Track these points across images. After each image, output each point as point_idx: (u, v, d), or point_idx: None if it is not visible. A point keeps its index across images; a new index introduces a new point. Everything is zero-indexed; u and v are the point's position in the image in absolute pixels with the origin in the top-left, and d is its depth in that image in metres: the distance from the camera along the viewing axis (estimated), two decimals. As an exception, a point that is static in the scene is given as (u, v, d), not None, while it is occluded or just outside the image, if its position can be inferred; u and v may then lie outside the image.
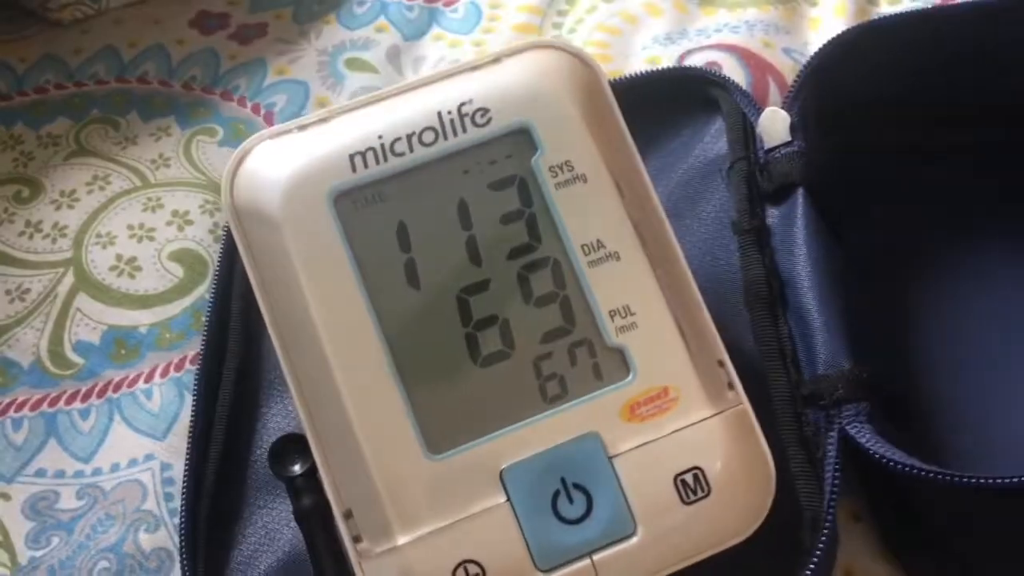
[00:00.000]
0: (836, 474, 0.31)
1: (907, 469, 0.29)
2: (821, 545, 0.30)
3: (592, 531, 0.29)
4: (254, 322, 0.39)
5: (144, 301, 0.41)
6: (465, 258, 0.31)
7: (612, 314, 0.31)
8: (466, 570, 0.29)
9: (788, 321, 0.34)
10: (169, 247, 0.43)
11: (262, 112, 0.47)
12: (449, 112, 0.31)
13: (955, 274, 0.38)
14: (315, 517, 0.31)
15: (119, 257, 0.42)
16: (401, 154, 0.31)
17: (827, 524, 0.30)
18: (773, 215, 0.36)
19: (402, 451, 0.29)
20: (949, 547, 0.32)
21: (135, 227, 0.43)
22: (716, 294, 0.36)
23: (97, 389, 0.39)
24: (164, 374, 0.39)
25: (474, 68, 0.33)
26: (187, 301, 0.41)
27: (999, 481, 0.28)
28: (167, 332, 0.40)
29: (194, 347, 0.40)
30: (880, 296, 0.37)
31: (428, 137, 0.31)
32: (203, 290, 0.41)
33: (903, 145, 0.40)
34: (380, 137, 0.31)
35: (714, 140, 0.39)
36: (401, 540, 0.29)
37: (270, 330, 0.31)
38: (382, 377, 0.30)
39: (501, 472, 0.29)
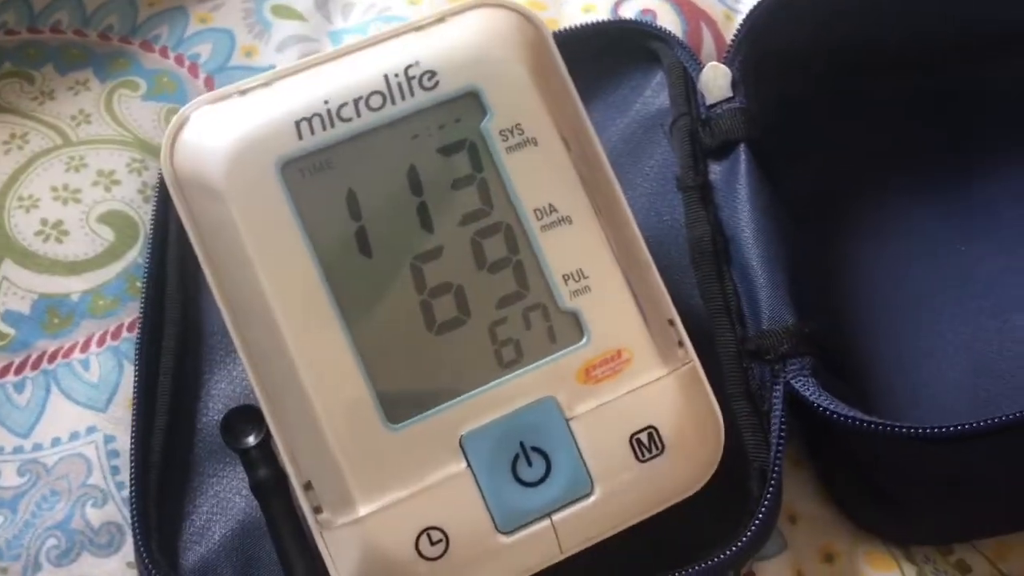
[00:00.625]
0: (782, 427, 0.32)
1: (849, 421, 0.30)
2: (769, 494, 0.31)
3: (551, 492, 0.30)
4: (192, 288, 0.38)
5: (74, 267, 0.39)
6: (417, 225, 0.31)
7: (565, 278, 0.31)
8: (429, 537, 0.29)
9: (733, 277, 0.35)
10: (97, 209, 0.41)
11: (186, 63, 0.45)
12: (396, 75, 0.31)
13: (887, 220, 0.39)
14: (272, 488, 0.31)
15: (44, 221, 0.40)
16: (348, 119, 0.30)
17: (774, 475, 0.31)
18: (716, 171, 0.36)
19: (361, 422, 0.29)
20: (887, 491, 0.33)
21: (59, 189, 0.41)
22: (661, 250, 0.36)
23: (31, 361, 0.37)
24: (101, 343, 0.38)
25: (419, 28, 0.32)
26: (120, 266, 0.40)
27: (933, 430, 0.30)
28: (100, 299, 0.39)
29: (130, 314, 0.39)
30: (816, 245, 0.38)
31: (375, 101, 0.30)
32: (136, 254, 0.40)
33: (838, 92, 0.41)
34: (326, 102, 0.30)
35: (655, 94, 0.39)
36: (363, 510, 0.29)
37: (220, 304, 0.30)
38: (337, 348, 0.29)
39: (460, 439, 0.30)
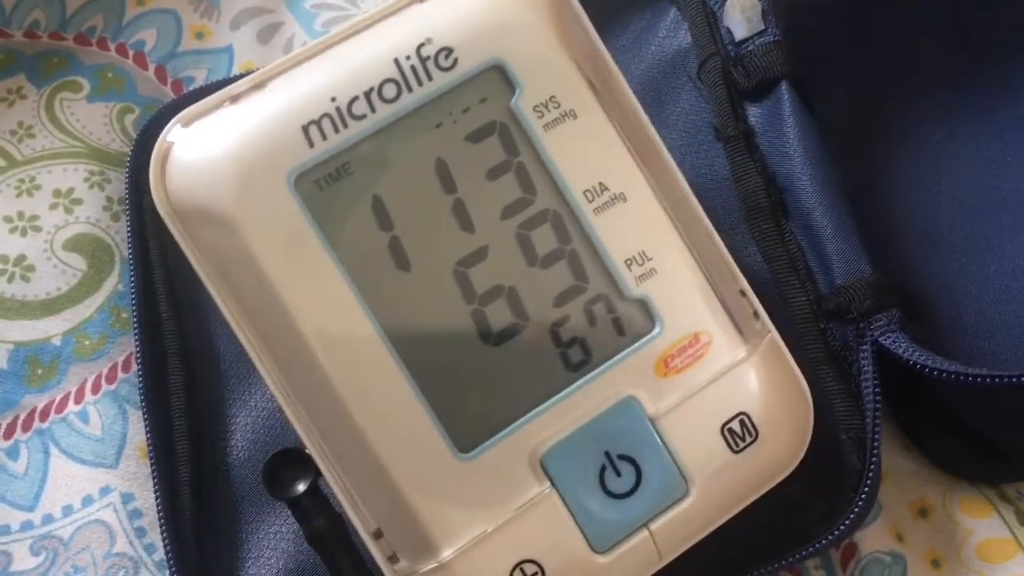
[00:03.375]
0: (877, 390, 0.29)
1: (951, 376, 0.28)
2: (872, 465, 0.29)
3: (645, 501, 0.27)
4: (187, 311, 0.35)
5: (49, 307, 0.35)
6: (455, 226, 0.27)
7: (628, 263, 0.28)
8: (523, 571, 0.26)
9: (794, 232, 0.32)
10: (61, 235, 0.36)
11: (130, 54, 0.40)
12: (408, 57, 0.27)
13: (927, 142, 0.37)
14: (331, 536, 0.28)
15: (4, 259, 0.36)
16: (361, 116, 0.26)
17: (875, 443, 0.29)
18: (755, 114, 0.33)
19: (428, 456, 0.26)
20: (983, 436, 0.31)
21: (13, 218, 0.36)
22: (705, 209, 0.33)
23: (21, 421, 0.33)
24: (96, 389, 0.34)
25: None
26: (100, 297, 0.35)
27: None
28: (86, 339, 0.35)
29: (122, 351, 0.35)
30: (861, 180, 0.36)
31: (389, 91, 0.26)
32: (116, 281, 0.36)
33: (855, 10, 0.38)
34: (333, 99, 0.26)
35: (671, 34, 0.35)
36: (446, 553, 0.26)
37: (245, 345, 0.26)
38: (390, 377, 0.26)
39: (541, 458, 0.27)
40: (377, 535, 0.27)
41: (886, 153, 0.36)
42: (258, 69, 0.27)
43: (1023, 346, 0.33)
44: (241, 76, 0.30)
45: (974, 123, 0.37)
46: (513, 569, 0.26)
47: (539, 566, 0.26)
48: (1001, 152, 0.36)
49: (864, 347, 0.30)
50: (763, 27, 0.33)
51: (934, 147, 0.37)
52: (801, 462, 0.29)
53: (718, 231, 0.32)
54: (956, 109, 0.37)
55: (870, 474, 0.29)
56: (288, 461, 0.28)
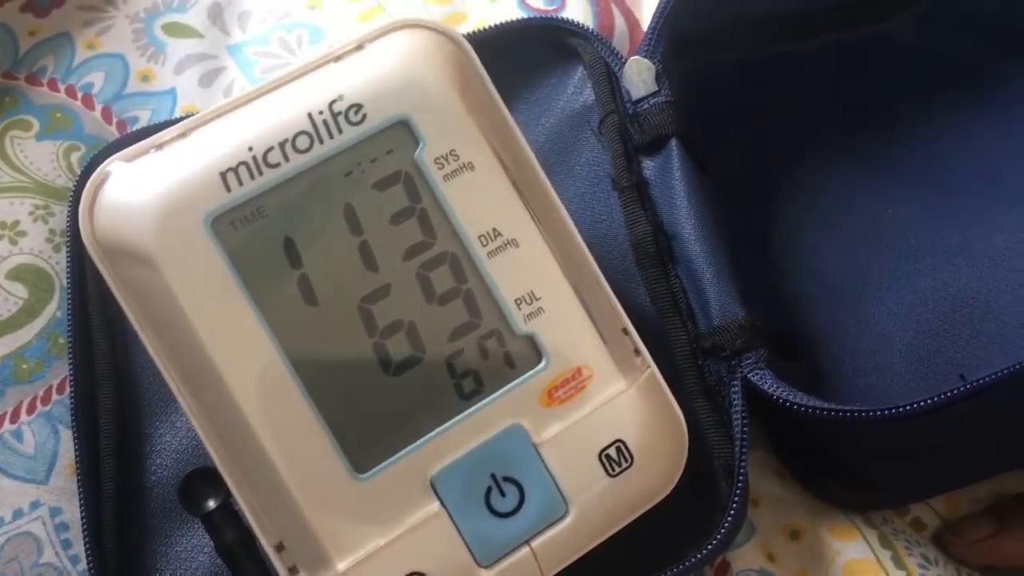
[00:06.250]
0: (744, 421, 0.32)
1: (808, 410, 0.31)
2: (739, 490, 0.32)
3: (527, 520, 0.30)
4: (119, 339, 0.37)
5: (-10, 331, 0.37)
6: (360, 265, 0.30)
7: (518, 302, 0.30)
8: (412, 582, 0.29)
9: (679, 275, 0.35)
10: (5, 265, 0.39)
11: (79, 95, 0.43)
12: (320, 112, 0.29)
13: (815, 194, 0.40)
14: (241, 550, 0.30)
15: (-50, 285, 0.38)
16: (276, 165, 0.29)
17: (741, 471, 0.32)
18: (649, 167, 0.36)
19: (327, 476, 0.29)
20: (846, 466, 0.34)
21: (-40, 247, 0.39)
22: (602, 252, 0.36)
23: (-42, 438, 0.35)
24: (31, 410, 0.36)
25: (337, 59, 0.31)
26: (39, 324, 0.38)
27: (886, 412, 0.30)
28: (24, 363, 0.37)
29: (57, 375, 0.37)
30: (750, 229, 0.39)
31: (302, 143, 0.29)
32: (54, 308, 0.38)
33: (751, 66, 0.41)
34: (251, 149, 0.29)
35: (578, 91, 0.38)
36: (341, 566, 0.28)
37: (163, 372, 0.29)
38: (294, 404, 0.29)
39: (431, 479, 0.29)
40: (279, 548, 0.29)
41: (778, 203, 0.40)
42: (200, 111, 0.30)
43: (897, 385, 0.36)
44: (183, 118, 0.32)
45: (862, 175, 0.40)
46: (403, 580, 0.29)
47: (427, 578, 0.29)
48: (884, 203, 0.40)
49: (735, 382, 0.33)
50: (656, 88, 0.36)
51: (823, 198, 0.40)
52: (677, 487, 0.32)
53: (613, 274, 0.35)
54: (844, 163, 0.41)
55: (736, 497, 0.32)
56: (202, 479, 0.31)
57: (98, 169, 0.29)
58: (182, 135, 0.29)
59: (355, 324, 0.29)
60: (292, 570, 0.29)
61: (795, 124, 0.41)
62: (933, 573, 0.34)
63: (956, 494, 0.37)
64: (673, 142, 0.35)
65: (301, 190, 0.29)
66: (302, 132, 0.29)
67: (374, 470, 0.29)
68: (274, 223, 0.29)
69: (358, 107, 0.30)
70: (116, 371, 0.36)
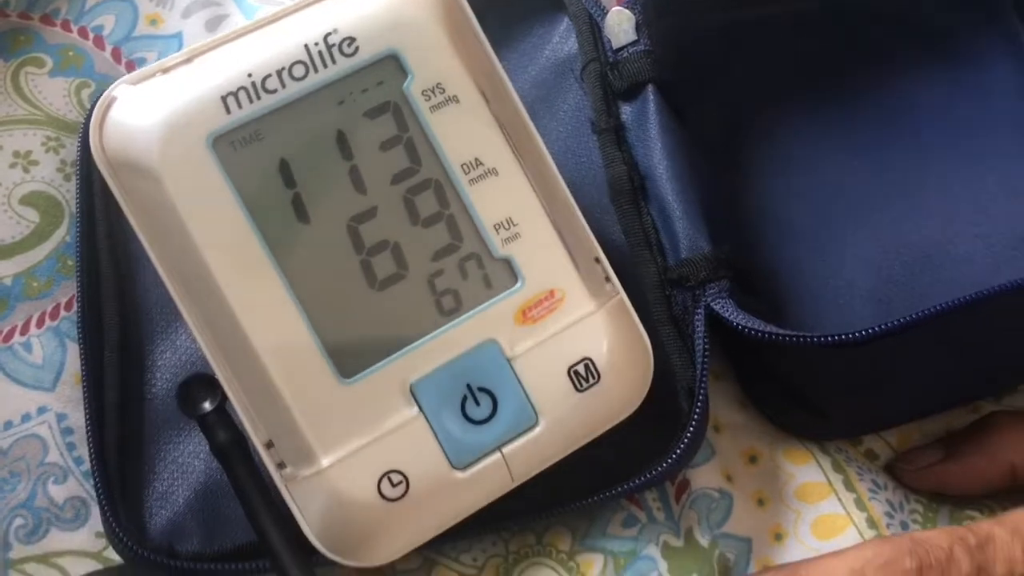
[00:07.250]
0: (705, 346, 0.34)
1: (765, 336, 0.33)
2: (698, 409, 0.34)
3: (499, 427, 0.32)
4: (124, 263, 0.39)
5: (4, 252, 0.39)
6: (350, 187, 0.32)
7: (496, 227, 0.33)
8: (390, 480, 0.31)
9: (651, 212, 0.37)
10: (18, 191, 0.41)
11: (90, 37, 0.45)
12: (316, 44, 0.32)
13: (789, 145, 0.42)
14: (233, 449, 0.32)
15: (-35, 208, 0.40)
16: (273, 91, 0.31)
17: (701, 391, 0.34)
18: (627, 112, 0.38)
19: (314, 378, 0.31)
20: (803, 394, 0.37)
21: (-25, 174, 0.41)
22: (582, 191, 0.38)
23: (-29, 348, 0.38)
24: (40, 324, 0.38)
25: (332, -6, 0.33)
26: (49, 246, 0.40)
27: (838, 337, 0.33)
28: (34, 281, 0.39)
29: (65, 293, 0.39)
30: (725, 176, 0.41)
31: (298, 71, 0.31)
32: (63, 233, 0.40)
33: (733, 23, 0.43)
34: (250, 75, 0.31)
35: (563, 40, 0.41)
36: (325, 461, 0.31)
37: (165, 281, 0.31)
38: (286, 312, 0.31)
39: (411, 386, 0.32)
40: (268, 445, 0.31)
41: (748, 154, 0.42)
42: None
43: (857, 326, 0.38)
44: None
45: (829, 130, 0.42)
46: (382, 477, 0.31)
47: (404, 476, 0.31)
48: (850, 157, 0.42)
49: (699, 311, 0.35)
50: (636, 38, 0.38)
51: (791, 151, 0.42)
52: (642, 406, 0.34)
53: (591, 210, 0.37)
54: (813, 119, 0.43)
55: (696, 415, 0.34)
56: (199, 384, 0.33)
57: (107, 91, 0.31)
58: (186, 60, 0.32)
59: (344, 241, 0.32)
60: (280, 465, 0.31)
61: (768, 82, 0.43)
62: (882, 497, 0.37)
63: (908, 428, 0.39)
64: (650, 88, 0.37)
65: (296, 115, 0.31)
66: (298, 61, 0.31)
67: (358, 376, 0.31)
68: (271, 145, 0.31)
69: (351, 40, 0.32)
70: (121, 293, 0.38)
